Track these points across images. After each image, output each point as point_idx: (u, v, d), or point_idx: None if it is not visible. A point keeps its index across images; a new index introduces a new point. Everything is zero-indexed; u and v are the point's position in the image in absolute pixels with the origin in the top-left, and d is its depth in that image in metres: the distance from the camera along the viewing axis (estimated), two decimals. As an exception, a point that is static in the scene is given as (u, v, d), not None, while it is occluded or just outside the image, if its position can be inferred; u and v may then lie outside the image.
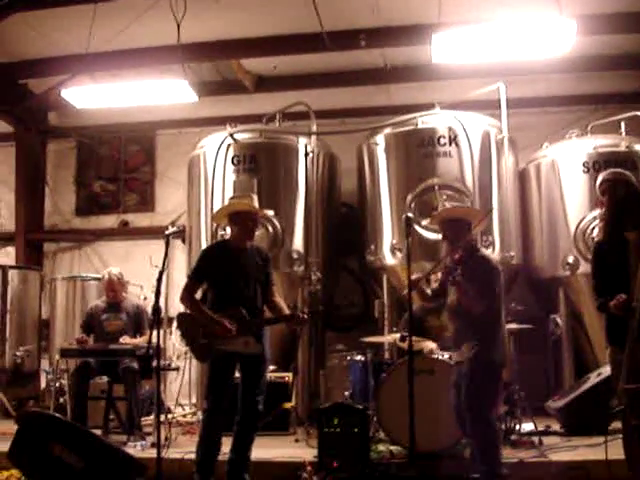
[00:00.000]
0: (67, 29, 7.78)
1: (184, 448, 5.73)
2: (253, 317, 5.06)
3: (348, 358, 6.70)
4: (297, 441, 6.47)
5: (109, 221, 10.44)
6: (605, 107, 8.75)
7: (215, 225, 7.48)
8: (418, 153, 7.69)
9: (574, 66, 8.59)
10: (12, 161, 10.23)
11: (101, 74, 8.33)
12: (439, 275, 4.93)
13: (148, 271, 7.85)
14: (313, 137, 8.06)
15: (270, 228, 7.59)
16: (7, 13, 7.33)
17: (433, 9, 7.05)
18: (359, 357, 6.49)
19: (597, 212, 7.07)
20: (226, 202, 6.75)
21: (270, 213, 5.91)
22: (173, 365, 7.57)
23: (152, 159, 10.49)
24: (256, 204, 5.34)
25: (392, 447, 5.68)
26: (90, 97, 8.22)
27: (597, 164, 7.58)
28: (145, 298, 8.44)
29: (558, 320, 7.73)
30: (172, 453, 5.52)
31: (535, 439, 5.98)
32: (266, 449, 5.74)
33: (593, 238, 7.21)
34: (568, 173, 7.83)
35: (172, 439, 6.04)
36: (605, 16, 7.49)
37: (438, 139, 7.65)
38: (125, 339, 6.73)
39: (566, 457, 5.50)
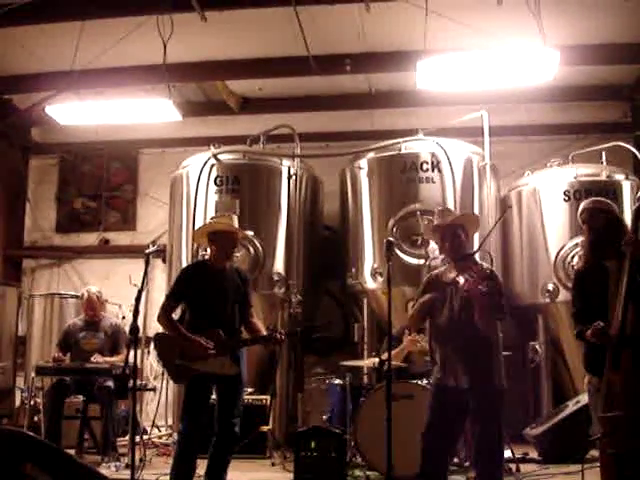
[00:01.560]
0: (53, 46, 7.78)
1: (159, 470, 5.67)
2: (230, 338, 5.04)
3: (327, 382, 6.67)
4: (274, 465, 6.43)
5: (90, 239, 10.37)
6: (586, 136, 8.85)
7: (196, 245, 7.45)
8: (401, 178, 7.72)
9: (556, 95, 8.70)
10: (-7, 176, 10.17)
11: (86, 91, 8.31)
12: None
13: (127, 290, 7.76)
14: (296, 160, 8.08)
15: (251, 249, 7.57)
16: (-7, 29, 7.33)
17: (418, 36, 7.10)
18: (338, 381, 6.47)
19: (578, 240, 7.14)
20: (207, 222, 6.73)
21: (250, 233, 5.92)
22: (150, 385, 7.50)
23: (135, 178, 10.46)
24: (236, 224, 5.33)
25: (369, 472, 5.64)
26: (74, 114, 8.20)
27: (578, 193, 7.66)
28: (124, 317, 8.38)
29: (537, 347, 7.76)
30: (147, 475, 5.45)
31: (512, 466, 5.97)
32: (242, 472, 5.70)
33: (573, 266, 7.27)
34: (549, 201, 7.90)
35: (147, 460, 5.97)
36: (588, 47, 7.60)
37: (421, 165, 7.69)
38: (97, 357, 6.66)
39: (543, 485, 5.49)
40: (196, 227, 7.56)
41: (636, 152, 8.02)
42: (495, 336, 4.59)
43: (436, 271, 4.98)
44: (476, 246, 6.08)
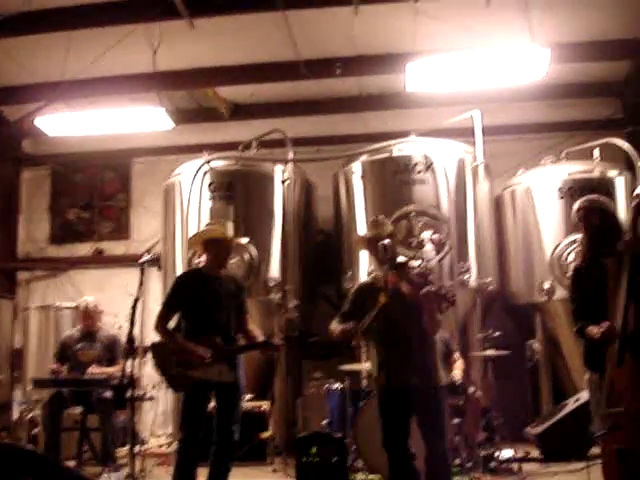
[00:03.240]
0: (43, 56, 7.76)
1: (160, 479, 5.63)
2: (227, 345, 5.02)
3: (326, 386, 6.64)
4: (275, 471, 6.41)
5: (84, 249, 10.34)
6: (579, 134, 8.85)
7: (191, 253, 7.43)
8: (394, 180, 7.71)
9: (548, 93, 8.71)
10: (-15, 189, 10.14)
11: (76, 102, 8.29)
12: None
13: (123, 299, 7.73)
14: (289, 164, 8.08)
15: (246, 255, 7.55)
16: (-19, 41, 7.31)
17: (408, 38, 7.13)
18: (337, 385, 6.45)
19: (573, 237, 7.15)
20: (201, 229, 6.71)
21: (244, 241, 5.90)
22: (148, 395, 7.45)
23: (127, 187, 10.44)
24: (230, 232, 5.32)
25: (371, 476, 5.63)
26: (65, 125, 8.18)
27: (572, 190, 7.66)
28: (120, 327, 8.31)
29: (535, 346, 7.75)
30: (148, 485, 5.42)
31: (514, 466, 5.96)
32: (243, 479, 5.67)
33: (569, 264, 7.27)
34: (543, 199, 7.90)
35: (147, 471, 5.94)
36: (578, 44, 7.61)
37: (414, 166, 7.67)
38: (94, 368, 6.64)
39: (546, 484, 5.49)
40: (190, 235, 7.52)
41: (628, 148, 8.01)
42: (434, 336, 4.62)
43: (367, 280, 5.04)
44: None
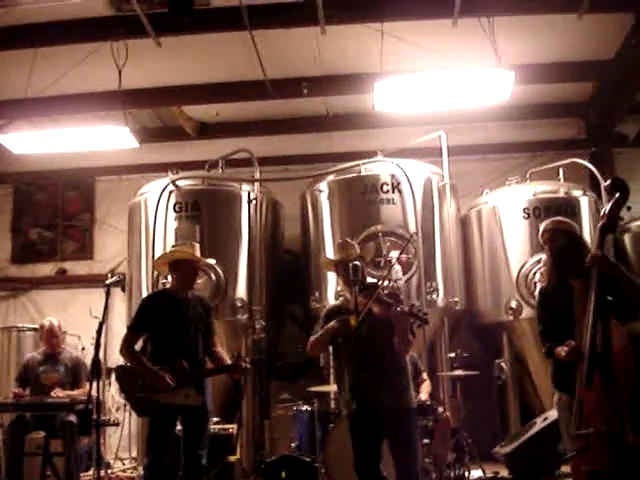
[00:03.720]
0: (6, 73, 7.63)
1: (126, 505, 5.52)
2: (194, 368, 4.95)
3: (294, 408, 6.57)
4: (242, 495, 6.31)
5: (46, 269, 10.17)
6: (543, 154, 8.95)
7: (156, 274, 7.34)
8: (361, 200, 7.71)
9: (512, 114, 8.82)
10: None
11: (40, 119, 8.18)
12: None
13: (86, 320, 7.65)
14: (256, 184, 8.03)
15: (213, 276, 7.48)
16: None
17: (374, 59, 7.15)
18: (305, 407, 6.38)
19: (538, 257, 7.19)
20: (167, 250, 6.63)
21: (212, 261, 5.85)
22: (113, 419, 7.30)
23: (91, 206, 10.31)
24: (197, 252, 5.26)
25: (340, 499, 5.56)
26: (28, 143, 8.04)
27: (537, 210, 7.73)
28: (83, 348, 8.20)
29: (503, 365, 7.76)
30: (113, 511, 5.29)
31: (484, 487, 5.95)
32: (211, 505, 5.58)
33: (535, 283, 7.32)
34: (509, 219, 7.95)
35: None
36: (541, 65, 7.70)
37: (381, 186, 7.68)
38: (57, 392, 6.49)
39: (516, 504, 5.48)
40: (156, 255, 7.45)
41: (592, 168, 8.12)
42: (405, 356, 4.64)
43: (337, 302, 5.04)
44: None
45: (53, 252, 10.26)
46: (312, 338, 4.74)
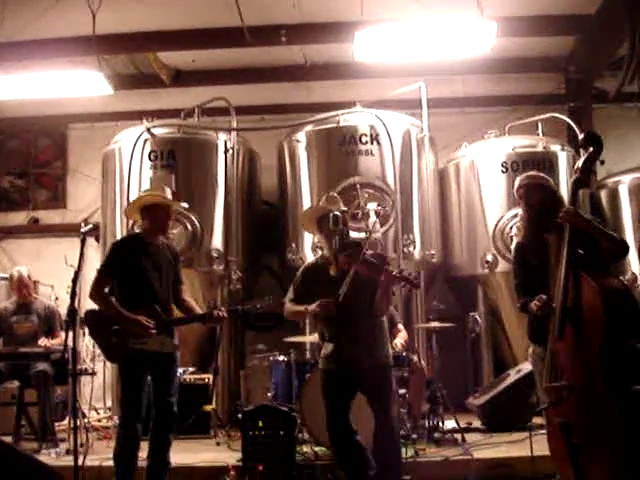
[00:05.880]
0: (-25, 17, 7.40)
1: (102, 455, 5.50)
2: (167, 315, 4.90)
3: (270, 358, 6.58)
4: (218, 444, 6.33)
5: (18, 218, 10.01)
6: (522, 108, 8.89)
7: (131, 223, 7.23)
8: (340, 151, 7.64)
9: (492, 67, 8.72)
10: None
11: (11, 65, 7.94)
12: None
13: (60, 270, 7.55)
14: (233, 133, 7.92)
15: (188, 226, 7.41)
16: None
17: (355, 7, 7.00)
18: (282, 357, 6.39)
19: (515, 211, 7.19)
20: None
21: (184, 205, 5.72)
22: (89, 369, 7.28)
23: (64, 154, 10.12)
24: (169, 196, 5.16)
25: (316, 448, 5.61)
26: (-1, 88, 7.85)
27: (515, 164, 7.71)
28: (57, 298, 8.13)
29: (477, 318, 7.82)
30: (90, 460, 5.25)
31: (458, 436, 6.01)
32: (187, 453, 5.60)
33: (511, 237, 7.35)
34: (487, 173, 7.94)
35: (89, 445, 5.80)
36: (524, 18, 7.60)
37: (360, 137, 7.61)
38: (43, 341, 6.46)
39: (490, 454, 5.56)
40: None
41: (571, 123, 8.11)
42: (383, 316, 4.69)
43: (313, 260, 5.07)
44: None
45: (25, 201, 10.09)
46: (289, 307, 4.74)
